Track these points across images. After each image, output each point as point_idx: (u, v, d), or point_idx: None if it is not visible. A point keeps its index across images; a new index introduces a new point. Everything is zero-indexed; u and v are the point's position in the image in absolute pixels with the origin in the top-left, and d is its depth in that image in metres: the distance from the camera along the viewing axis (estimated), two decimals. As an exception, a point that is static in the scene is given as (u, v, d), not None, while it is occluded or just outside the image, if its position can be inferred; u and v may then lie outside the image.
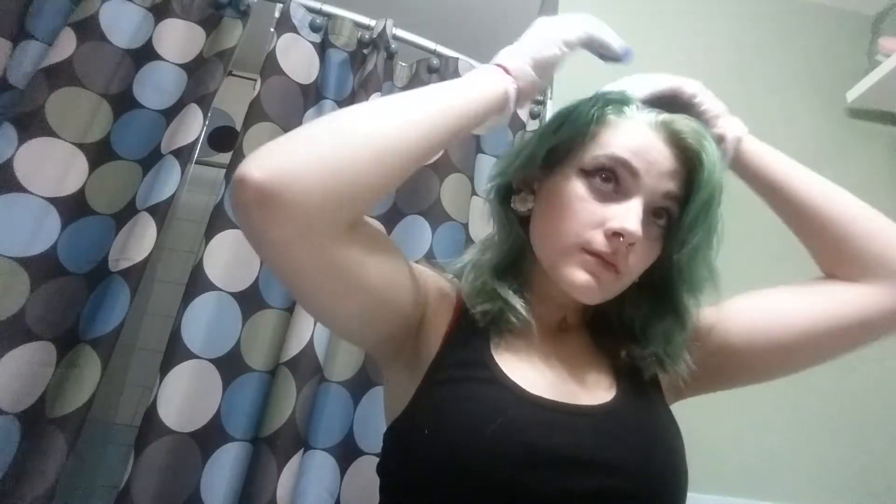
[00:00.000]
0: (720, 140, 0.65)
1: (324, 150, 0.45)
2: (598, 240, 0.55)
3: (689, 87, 0.65)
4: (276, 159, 0.43)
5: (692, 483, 0.58)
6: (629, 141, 0.57)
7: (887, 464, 1.14)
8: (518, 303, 0.59)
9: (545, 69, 0.58)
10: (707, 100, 0.66)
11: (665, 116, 0.59)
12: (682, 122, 0.58)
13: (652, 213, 0.57)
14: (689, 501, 0.57)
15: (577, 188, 0.57)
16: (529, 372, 0.57)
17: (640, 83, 0.65)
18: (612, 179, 0.57)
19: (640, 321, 0.63)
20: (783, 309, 0.64)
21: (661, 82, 0.65)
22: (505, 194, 0.65)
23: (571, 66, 0.63)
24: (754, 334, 0.63)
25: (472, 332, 0.59)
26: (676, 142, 0.57)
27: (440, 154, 1.15)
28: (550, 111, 1.27)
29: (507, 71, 0.56)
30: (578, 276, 0.56)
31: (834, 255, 0.64)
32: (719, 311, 0.65)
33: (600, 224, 0.55)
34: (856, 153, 1.41)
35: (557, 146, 0.60)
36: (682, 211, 0.57)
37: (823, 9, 1.56)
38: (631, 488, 0.52)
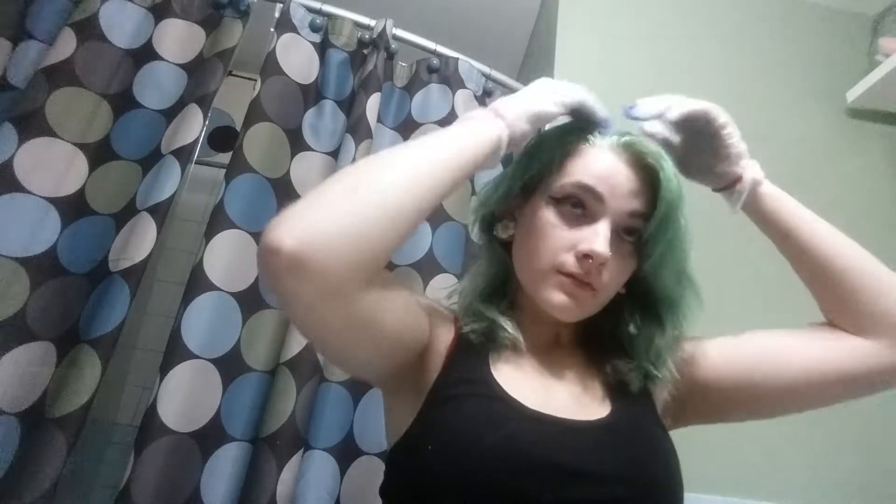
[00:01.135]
0: (737, 180, 0.66)
1: (346, 217, 0.47)
2: (570, 262, 0.59)
3: (723, 116, 0.65)
4: (303, 228, 0.45)
5: (692, 483, 0.58)
6: (593, 167, 0.60)
7: (888, 464, 1.14)
8: (505, 321, 0.63)
9: (537, 122, 0.61)
10: (736, 135, 0.66)
11: (627, 139, 0.62)
12: (643, 143, 0.61)
13: (623, 230, 0.60)
14: (690, 501, 0.57)
15: (549, 216, 0.61)
16: (528, 388, 0.60)
17: (673, 102, 0.65)
18: (580, 205, 0.60)
19: (628, 335, 0.66)
20: (782, 352, 0.64)
21: (695, 103, 0.65)
22: (489, 222, 0.69)
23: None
24: (751, 374, 0.64)
25: (471, 352, 0.62)
26: (637, 162, 0.60)
27: None
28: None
29: (501, 117, 0.58)
30: (556, 296, 0.59)
31: (839, 306, 0.64)
32: (719, 344, 0.67)
33: (571, 247, 0.59)
34: (856, 153, 1.40)
35: (531, 177, 0.64)
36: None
37: (823, 9, 1.56)
38: (628, 498, 0.54)
